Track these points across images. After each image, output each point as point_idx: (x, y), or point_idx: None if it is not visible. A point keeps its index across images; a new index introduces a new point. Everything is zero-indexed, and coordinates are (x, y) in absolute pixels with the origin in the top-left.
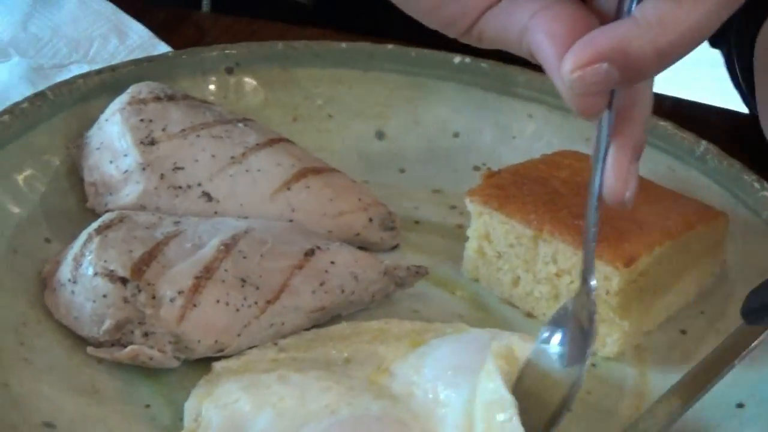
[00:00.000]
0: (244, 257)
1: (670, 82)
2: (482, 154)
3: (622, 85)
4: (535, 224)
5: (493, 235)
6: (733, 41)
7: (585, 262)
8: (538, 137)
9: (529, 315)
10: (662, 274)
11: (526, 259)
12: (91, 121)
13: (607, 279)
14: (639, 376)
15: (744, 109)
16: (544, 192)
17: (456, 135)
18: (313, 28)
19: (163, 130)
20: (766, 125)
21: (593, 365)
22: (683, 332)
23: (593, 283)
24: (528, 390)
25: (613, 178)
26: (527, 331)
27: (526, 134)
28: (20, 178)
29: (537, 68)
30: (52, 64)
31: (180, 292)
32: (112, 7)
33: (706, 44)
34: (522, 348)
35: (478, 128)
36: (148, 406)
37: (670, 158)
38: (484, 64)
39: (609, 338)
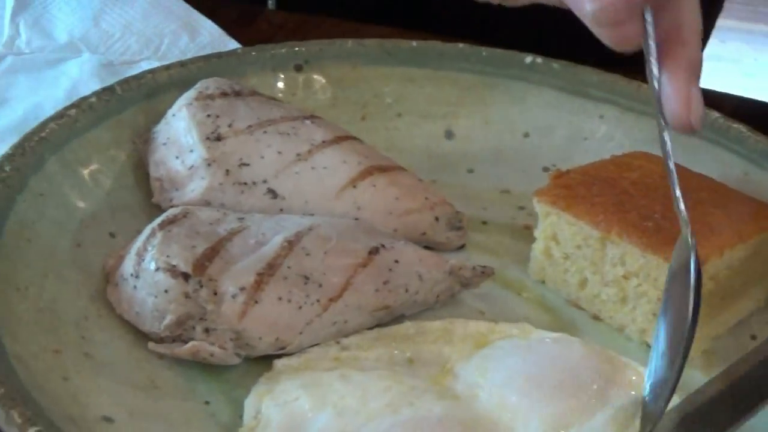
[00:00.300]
0: (308, 254)
1: (745, 84)
2: (552, 155)
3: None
4: (603, 226)
5: (560, 236)
6: None
7: (673, 197)
8: (609, 138)
9: (596, 317)
10: (732, 278)
11: (594, 260)
12: (158, 116)
13: None
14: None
15: None
16: (613, 193)
17: (526, 135)
18: (383, 26)
19: (230, 125)
20: None
21: None
22: (753, 338)
23: (681, 204)
24: None
25: (673, 102)
26: (593, 334)
27: (597, 135)
28: (86, 172)
29: (609, 68)
30: (122, 60)
31: (242, 289)
32: (183, 4)
33: None
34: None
35: (548, 129)
36: (207, 402)
37: (744, 161)
38: (556, 65)
39: None
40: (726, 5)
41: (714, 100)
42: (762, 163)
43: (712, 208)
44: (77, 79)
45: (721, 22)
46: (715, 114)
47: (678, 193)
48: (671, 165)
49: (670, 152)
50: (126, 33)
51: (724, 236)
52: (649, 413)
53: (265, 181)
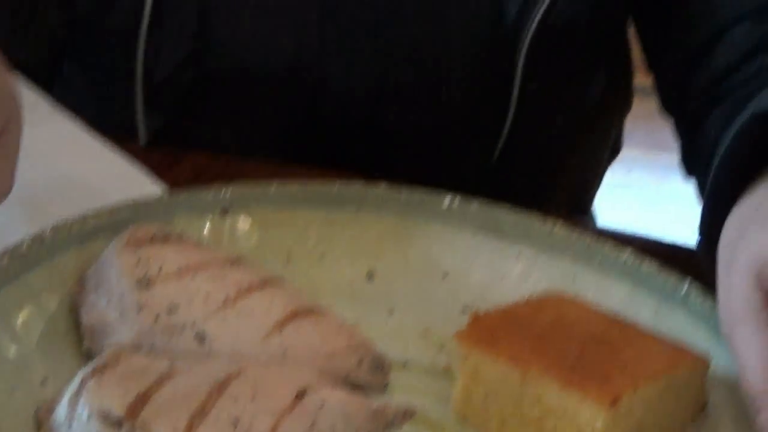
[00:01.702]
0: (236, 398)
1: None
2: (471, 294)
3: None
4: (521, 365)
5: (481, 375)
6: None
7: None
8: (525, 277)
9: None
10: (646, 417)
11: (513, 400)
12: (91, 260)
13: (592, 419)
14: None
15: None
16: (531, 334)
17: (445, 275)
18: (306, 166)
19: (159, 270)
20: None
21: None
22: None
23: None
24: None
25: None
26: None
27: (514, 274)
28: (17, 318)
29: (524, 209)
30: (49, 211)
31: None
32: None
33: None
34: None
35: (467, 268)
36: None
37: (654, 300)
38: (473, 206)
39: None
40: (633, 135)
41: (623, 239)
42: (671, 301)
43: (624, 347)
44: (4, 224)
45: (627, 152)
46: (627, 251)
47: None
48: None
49: None
50: (50, 182)
51: (636, 374)
52: None
53: (194, 326)
